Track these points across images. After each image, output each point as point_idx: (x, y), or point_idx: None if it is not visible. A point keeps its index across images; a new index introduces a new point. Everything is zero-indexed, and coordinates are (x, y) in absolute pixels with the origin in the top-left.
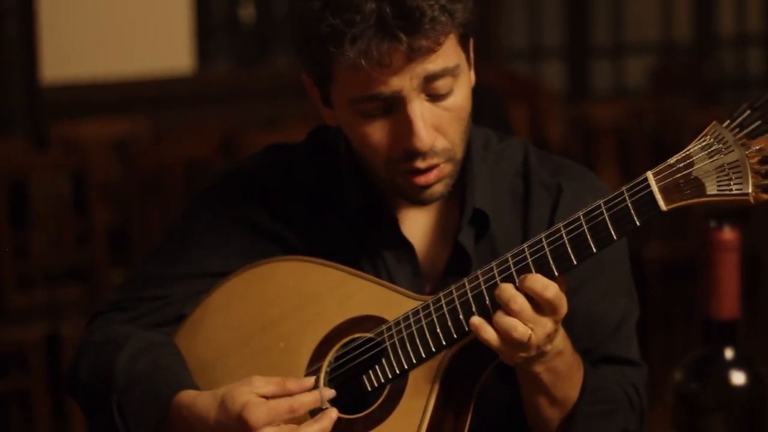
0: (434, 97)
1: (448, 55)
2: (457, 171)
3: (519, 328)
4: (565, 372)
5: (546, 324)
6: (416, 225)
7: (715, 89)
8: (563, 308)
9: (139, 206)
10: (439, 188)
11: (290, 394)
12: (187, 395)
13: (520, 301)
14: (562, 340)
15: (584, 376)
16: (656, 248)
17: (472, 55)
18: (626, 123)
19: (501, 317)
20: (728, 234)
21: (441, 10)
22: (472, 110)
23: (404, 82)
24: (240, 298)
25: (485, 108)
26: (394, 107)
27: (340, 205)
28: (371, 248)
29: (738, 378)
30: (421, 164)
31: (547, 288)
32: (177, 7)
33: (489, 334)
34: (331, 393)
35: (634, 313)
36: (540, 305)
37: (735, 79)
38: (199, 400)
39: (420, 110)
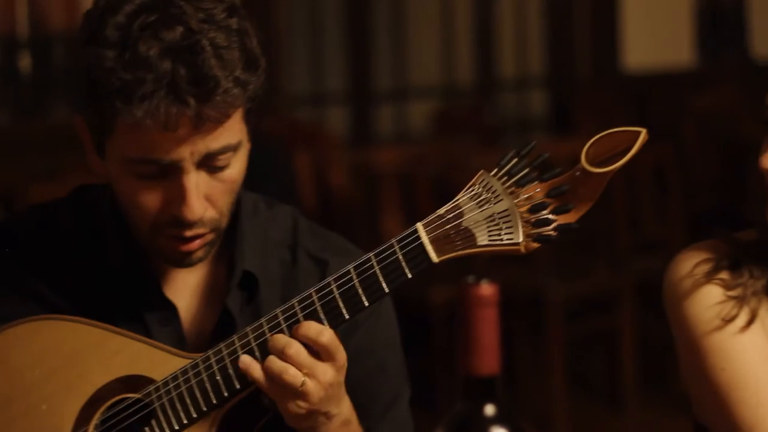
0: (211, 169)
1: (233, 131)
2: (220, 237)
3: (290, 371)
4: None
5: (326, 371)
6: (182, 286)
7: (497, 132)
8: (341, 354)
9: None
10: (199, 254)
11: None
12: None
13: (295, 347)
14: (348, 408)
15: None
16: (441, 292)
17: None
18: (409, 167)
19: (272, 361)
20: (486, 289)
21: (235, 83)
22: (258, 163)
23: (185, 153)
24: None
25: (272, 160)
26: (170, 174)
27: (103, 263)
28: (132, 309)
29: None
30: (187, 233)
31: (322, 333)
32: None
33: (257, 372)
34: None
35: (405, 393)
36: (317, 352)
37: (516, 121)
38: None
39: (195, 182)
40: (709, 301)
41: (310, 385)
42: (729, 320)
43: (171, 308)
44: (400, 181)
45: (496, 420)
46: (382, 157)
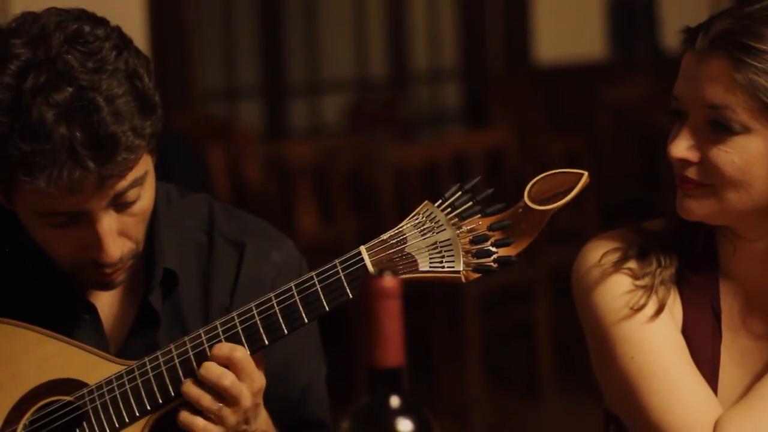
0: (121, 207)
1: (138, 168)
2: (139, 252)
3: (229, 376)
4: None
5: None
6: None
7: (411, 125)
8: (258, 376)
9: None
10: (121, 278)
11: None
12: None
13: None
14: (265, 419)
15: None
16: None
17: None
18: (323, 161)
19: (189, 386)
20: (388, 281)
21: (134, 133)
22: (172, 159)
23: (93, 203)
24: None
25: (186, 156)
26: (82, 221)
27: (21, 268)
28: (53, 311)
29: (405, 425)
30: (108, 270)
31: (235, 348)
32: None
33: (195, 391)
34: None
35: (322, 373)
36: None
37: (431, 114)
38: None
39: (108, 224)
40: (617, 290)
41: (226, 412)
42: (637, 309)
43: (91, 309)
44: (314, 175)
45: (401, 411)
46: (296, 151)
